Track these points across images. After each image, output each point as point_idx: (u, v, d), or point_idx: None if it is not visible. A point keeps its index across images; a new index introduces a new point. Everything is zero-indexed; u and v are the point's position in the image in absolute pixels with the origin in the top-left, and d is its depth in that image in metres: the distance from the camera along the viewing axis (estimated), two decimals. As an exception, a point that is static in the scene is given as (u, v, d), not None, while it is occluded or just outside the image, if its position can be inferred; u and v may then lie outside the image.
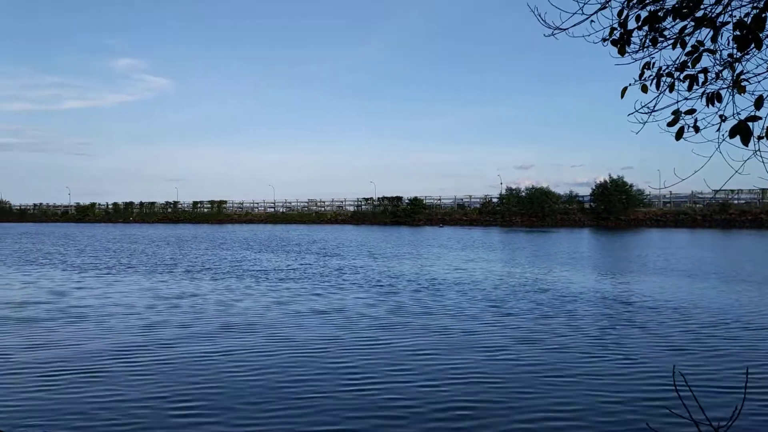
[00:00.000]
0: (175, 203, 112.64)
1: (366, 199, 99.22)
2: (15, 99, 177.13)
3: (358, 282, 19.63)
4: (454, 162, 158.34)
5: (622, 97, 4.47)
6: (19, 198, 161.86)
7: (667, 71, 4.35)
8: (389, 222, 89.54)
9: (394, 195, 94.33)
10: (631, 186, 77.46)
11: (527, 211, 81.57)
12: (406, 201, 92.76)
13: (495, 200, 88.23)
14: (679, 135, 4.12)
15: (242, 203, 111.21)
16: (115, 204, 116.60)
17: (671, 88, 4.34)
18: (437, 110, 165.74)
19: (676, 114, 4.17)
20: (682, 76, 4.30)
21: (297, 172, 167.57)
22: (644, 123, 4.54)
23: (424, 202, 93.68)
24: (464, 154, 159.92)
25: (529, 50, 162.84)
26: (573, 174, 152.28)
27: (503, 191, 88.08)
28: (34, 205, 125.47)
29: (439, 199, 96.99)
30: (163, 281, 20.32)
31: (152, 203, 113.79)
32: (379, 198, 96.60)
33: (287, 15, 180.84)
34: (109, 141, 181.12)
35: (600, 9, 4.46)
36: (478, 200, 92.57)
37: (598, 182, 78.37)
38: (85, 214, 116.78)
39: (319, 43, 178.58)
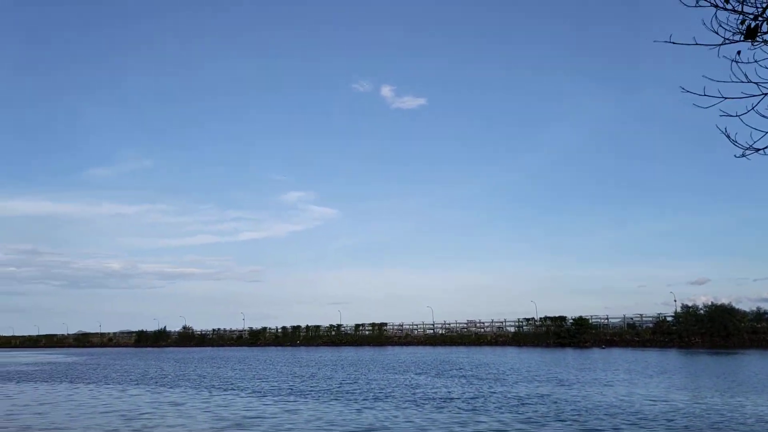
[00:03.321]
0: (339, 326, 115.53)
1: (527, 320, 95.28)
2: (199, 233, 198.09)
3: (547, 414, 17.90)
4: (619, 278, 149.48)
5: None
6: (199, 323, 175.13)
7: None
8: (552, 343, 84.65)
9: (557, 315, 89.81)
10: (835, 299, 67.96)
11: (708, 330, 73.76)
12: (570, 321, 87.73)
13: (670, 319, 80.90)
14: None
15: (402, 325, 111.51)
16: (283, 328, 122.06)
17: None
18: (599, 224, 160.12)
19: None
20: None
21: (455, 292, 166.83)
22: None
23: (590, 321, 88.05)
24: (630, 269, 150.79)
25: (699, 156, 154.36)
26: (757, 289, 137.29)
27: (678, 309, 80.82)
28: (213, 330, 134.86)
29: (606, 319, 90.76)
30: (339, 409, 19.93)
31: (317, 327, 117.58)
32: (540, 318, 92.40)
33: (441, 137, 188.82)
34: (278, 268, 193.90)
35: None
36: (650, 319, 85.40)
37: (791, 296, 69.73)
38: (257, 338, 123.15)
39: (475, 161, 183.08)
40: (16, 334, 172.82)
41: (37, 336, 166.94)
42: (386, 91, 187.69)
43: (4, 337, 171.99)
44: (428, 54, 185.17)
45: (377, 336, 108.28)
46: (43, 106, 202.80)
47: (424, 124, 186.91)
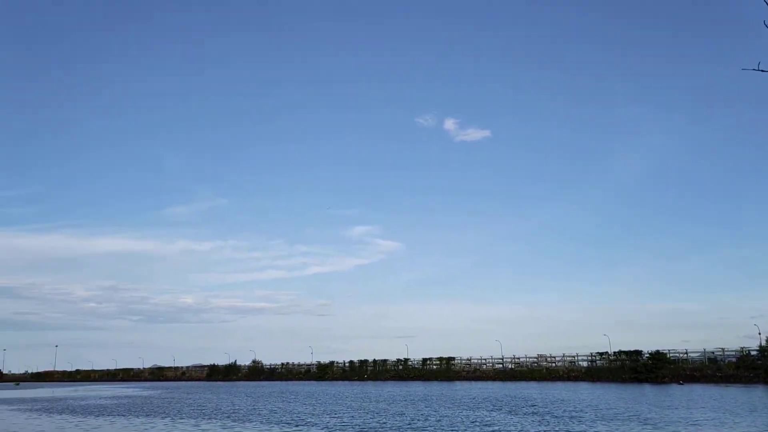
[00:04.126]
0: (405, 360, 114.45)
1: (600, 354, 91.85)
2: (269, 268, 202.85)
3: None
4: (697, 311, 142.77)
5: None
6: (269, 357, 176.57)
7: None
8: (628, 379, 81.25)
9: (632, 349, 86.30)
10: None
11: (797, 364, 69.24)
12: (647, 355, 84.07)
13: (754, 353, 76.26)
14: None
15: (470, 359, 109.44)
16: (351, 362, 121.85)
17: None
18: (674, 255, 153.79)
19: None
20: None
21: (524, 326, 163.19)
22: None
23: (668, 356, 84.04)
24: (709, 301, 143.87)
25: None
26: None
27: (763, 342, 76.13)
28: (282, 364, 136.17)
29: (685, 353, 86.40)
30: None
31: (384, 361, 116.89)
32: (615, 352, 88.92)
33: (506, 168, 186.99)
34: (346, 302, 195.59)
35: None
36: (733, 353, 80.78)
37: None
38: (324, 372, 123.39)
39: (541, 193, 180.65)
40: (96, 368, 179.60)
41: (115, 370, 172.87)
42: (450, 124, 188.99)
43: (85, 371, 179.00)
44: (492, 85, 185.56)
45: (445, 371, 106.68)
46: (126, 150, 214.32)
47: (488, 156, 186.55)
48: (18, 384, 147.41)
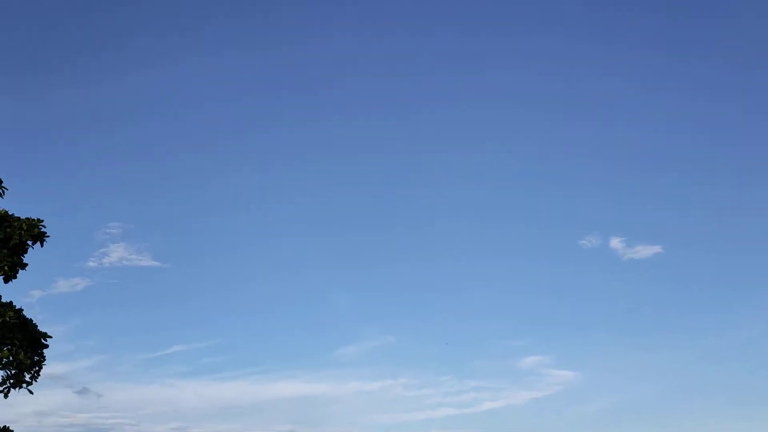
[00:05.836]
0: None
1: None
2: (441, 406, 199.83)
3: None
4: None
5: None
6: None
7: None
8: None
9: None
10: None
11: None
12: None
13: None
14: None
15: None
16: None
17: None
18: None
19: None
20: None
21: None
22: None
23: None
24: None
25: None
26: None
27: None
28: None
29: None
30: None
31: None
32: None
33: (682, 285, 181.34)
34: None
35: None
36: None
37: None
38: None
39: (729, 308, 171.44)
40: None
41: None
42: (616, 242, 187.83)
43: None
44: (660, 197, 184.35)
45: None
46: (297, 292, 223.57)
47: (662, 272, 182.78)
48: None
